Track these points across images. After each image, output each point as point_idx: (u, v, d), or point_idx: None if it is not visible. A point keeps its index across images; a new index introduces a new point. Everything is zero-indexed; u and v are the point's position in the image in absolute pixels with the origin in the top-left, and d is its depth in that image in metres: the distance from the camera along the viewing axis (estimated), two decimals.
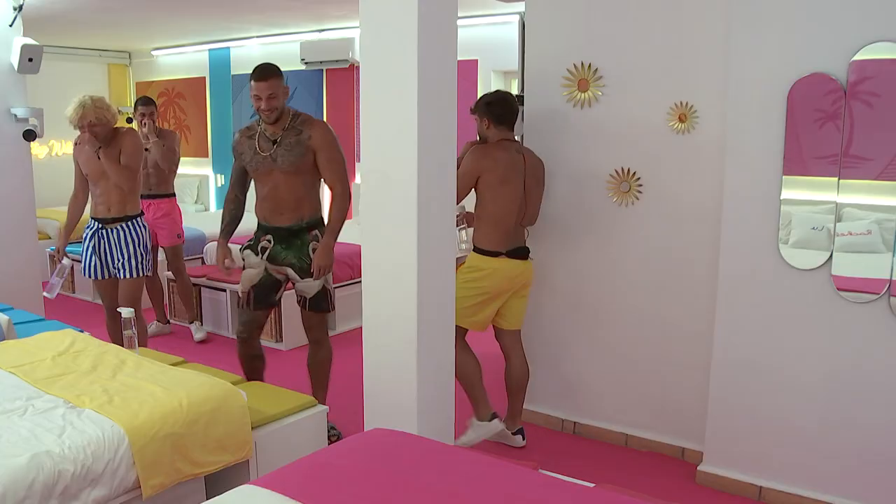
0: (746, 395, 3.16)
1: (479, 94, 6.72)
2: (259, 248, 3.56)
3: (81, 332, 3.50)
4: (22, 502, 2.07)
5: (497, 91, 3.68)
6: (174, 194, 5.53)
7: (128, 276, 4.21)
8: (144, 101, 5.46)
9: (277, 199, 3.48)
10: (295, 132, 3.44)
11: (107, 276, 4.28)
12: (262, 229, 3.58)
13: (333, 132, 3.48)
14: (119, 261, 4.23)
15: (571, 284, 3.77)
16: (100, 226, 4.25)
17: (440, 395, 2.85)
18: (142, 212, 4.40)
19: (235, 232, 3.78)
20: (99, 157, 4.17)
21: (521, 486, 2.08)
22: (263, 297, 3.62)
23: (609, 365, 3.71)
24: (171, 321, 5.83)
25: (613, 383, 3.71)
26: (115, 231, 4.23)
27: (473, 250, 3.52)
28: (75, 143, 4.35)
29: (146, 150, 5.15)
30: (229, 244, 3.72)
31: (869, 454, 2.92)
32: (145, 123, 5.33)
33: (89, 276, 4.32)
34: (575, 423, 3.84)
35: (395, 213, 2.68)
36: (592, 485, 2.23)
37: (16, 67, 4.97)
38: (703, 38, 3.28)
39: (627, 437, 3.68)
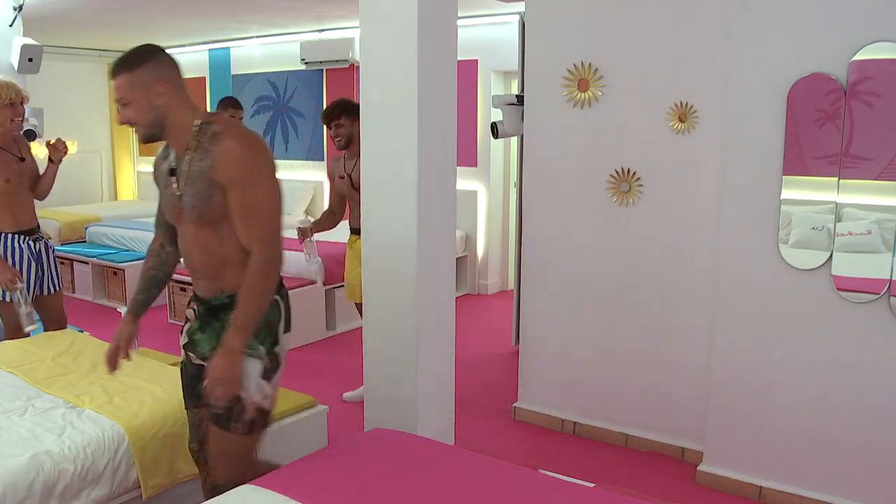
0: (746, 395, 3.16)
1: (479, 95, 6.76)
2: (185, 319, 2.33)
3: (81, 332, 3.50)
4: (22, 502, 2.07)
5: None
6: None
7: (59, 288, 3.90)
8: (235, 103, 4.80)
9: (190, 257, 2.22)
10: (200, 155, 2.09)
11: (43, 293, 3.81)
12: (193, 294, 2.32)
13: (256, 151, 2.08)
14: (52, 274, 3.84)
15: (571, 284, 3.77)
16: (32, 239, 3.76)
17: (440, 395, 2.85)
18: None
19: None
20: (23, 160, 3.74)
21: (521, 486, 2.08)
22: (190, 390, 2.29)
23: (609, 365, 3.71)
24: (172, 321, 5.83)
25: (613, 383, 3.71)
26: (44, 242, 3.85)
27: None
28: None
29: None
30: None
31: (869, 454, 2.92)
32: None
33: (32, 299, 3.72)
34: (575, 423, 3.84)
35: (394, 213, 2.68)
36: (592, 485, 2.23)
37: (16, 67, 4.98)
38: (703, 38, 3.28)
39: (627, 437, 3.68)
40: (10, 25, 4.99)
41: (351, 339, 5.38)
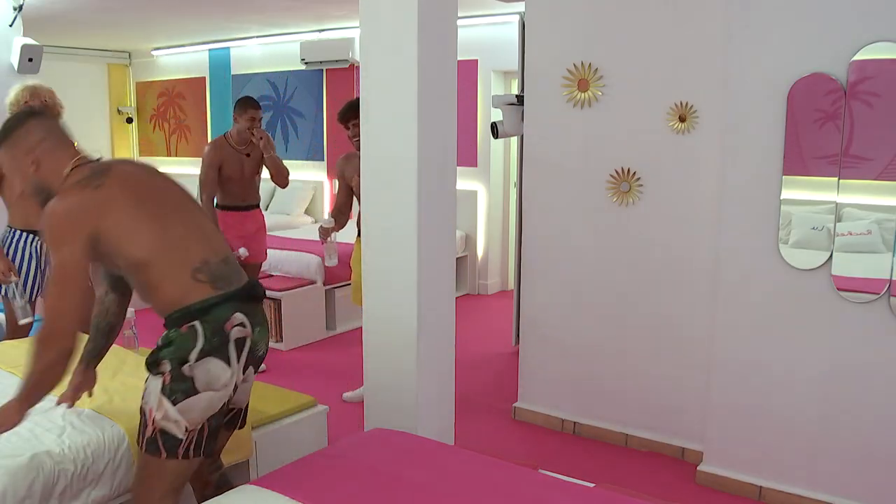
0: (746, 394, 3.16)
1: (479, 95, 6.77)
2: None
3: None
4: (22, 502, 2.07)
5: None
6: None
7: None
8: (253, 104, 4.66)
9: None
10: None
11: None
12: None
13: (52, 218, 1.96)
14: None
15: (571, 284, 3.77)
16: (41, 239, 3.82)
17: (440, 395, 2.85)
18: None
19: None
20: None
21: (521, 486, 2.08)
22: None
23: (609, 365, 3.71)
24: None
25: (613, 383, 3.71)
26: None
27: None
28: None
29: (247, 155, 4.64)
30: None
31: (869, 454, 2.92)
32: (255, 129, 4.58)
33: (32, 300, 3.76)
34: (575, 423, 3.84)
35: (394, 213, 2.67)
36: (592, 485, 2.23)
37: (16, 67, 4.98)
38: (703, 38, 3.28)
39: (627, 437, 3.68)
40: (10, 25, 5.00)
41: (351, 339, 5.38)
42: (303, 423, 3.03)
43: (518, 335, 4.58)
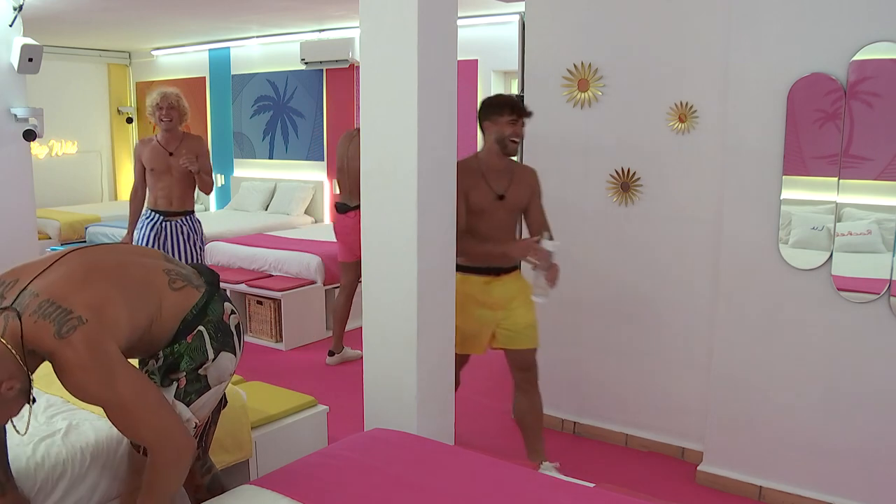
0: (746, 395, 3.16)
1: (479, 95, 6.76)
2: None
3: None
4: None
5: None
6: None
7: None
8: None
9: None
10: None
11: None
12: None
13: (87, 363, 1.73)
14: (183, 252, 4.45)
15: (571, 284, 3.77)
16: (161, 218, 4.43)
17: (440, 395, 2.85)
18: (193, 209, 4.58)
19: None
20: (171, 154, 4.39)
21: (521, 486, 2.08)
22: None
23: (609, 365, 3.71)
24: None
25: (613, 383, 3.71)
26: (175, 224, 4.43)
27: None
28: (139, 140, 4.61)
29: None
30: None
31: (869, 454, 2.92)
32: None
33: None
34: (575, 423, 3.84)
35: (395, 213, 2.67)
36: (592, 485, 2.23)
37: (16, 67, 4.97)
38: (703, 38, 3.28)
39: (627, 437, 3.68)
40: (10, 25, 4.99)
41: (351, 339, 5.38)
42: (303, 423, 3.03)
43: None
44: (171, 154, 4.37)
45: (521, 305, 3.14)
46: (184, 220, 4.48)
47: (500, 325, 3.14)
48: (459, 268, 3.00)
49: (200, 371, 1.99)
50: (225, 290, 1.95)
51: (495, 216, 3.07)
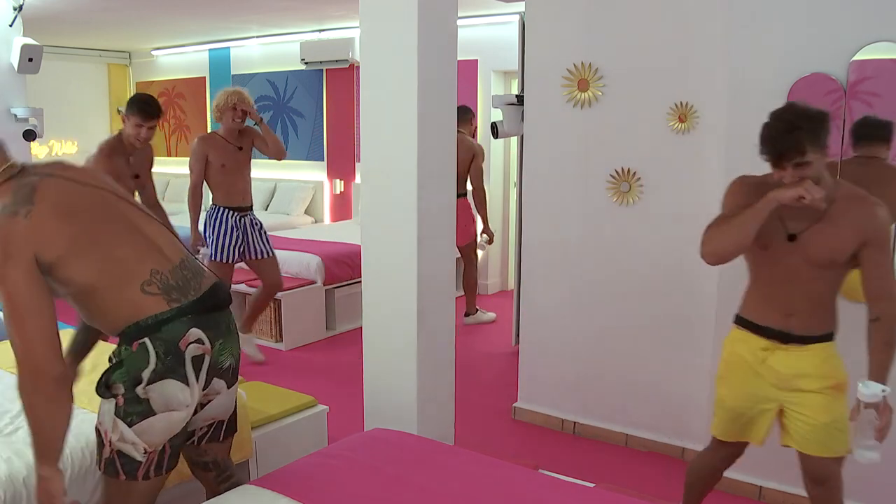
0: None
1: (479, 95, 6.76)
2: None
3: None
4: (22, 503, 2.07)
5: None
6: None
7: (272, 254, 4.68)
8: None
9: None
10: None
11: (251, 258, 4.63)
12: None
13: None
14: (260, 243, 4.63)
15: (571, 284, 3.77)
16: (239, 215, 4.56)
17: (440, 395, 2.85)
18: None
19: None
20: (241, 149, 4.52)
21: (521, 486, 2.08)
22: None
23: (609, 365, 3.71)
24: None
25: (613, 383, 3.71)
26: (250, 218, 4.61)
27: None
28: (201, 138, 4.62)
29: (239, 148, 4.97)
30: None
31: None
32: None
33: (228, 261, 4.54)
34: (575, 423, 3.84)
35: (395, 213, 2.67)
36: (592, 485, 2.23)
37: (16, 67, 4.98)
38: (703, 38, 3.28)
39: (627, 437, 3.68)
40: (10, 25, 5.00)
41: (351, 339, 5.38)
42: (303, 423, 3.03)
43: (518, 335, 4.58)
44: (240, 149, 4.51)
45: (817, 391, 2.26)
46: (254, 214, 4.69)
47: (790, 407, 2.31)
48: (740, 320, 2.43)
49: (139, 391, 1.82)
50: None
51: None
